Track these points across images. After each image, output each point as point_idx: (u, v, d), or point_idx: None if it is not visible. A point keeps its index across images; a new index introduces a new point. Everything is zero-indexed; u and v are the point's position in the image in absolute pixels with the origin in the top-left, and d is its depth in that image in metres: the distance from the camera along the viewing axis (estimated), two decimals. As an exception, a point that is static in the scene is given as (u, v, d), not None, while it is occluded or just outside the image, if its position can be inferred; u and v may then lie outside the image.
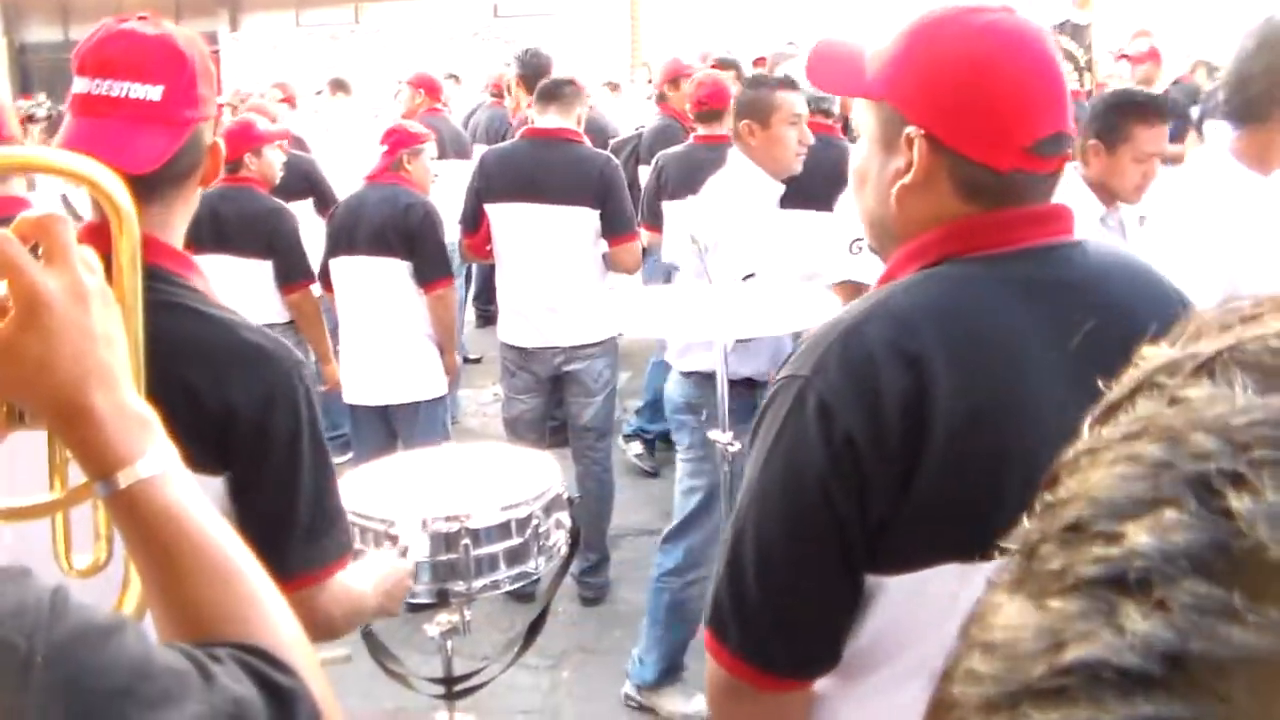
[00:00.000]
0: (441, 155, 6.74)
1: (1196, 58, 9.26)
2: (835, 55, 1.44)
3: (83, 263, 0.87)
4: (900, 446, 1.20)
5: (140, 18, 1.66)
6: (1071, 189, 3.35)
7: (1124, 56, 7.14)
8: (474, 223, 4.55)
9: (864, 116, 1.39)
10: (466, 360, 7.36)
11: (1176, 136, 7.01)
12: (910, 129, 1.29)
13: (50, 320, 0.84)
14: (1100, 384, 0.41)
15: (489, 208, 4.48)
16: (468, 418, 6.85)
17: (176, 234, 1.70)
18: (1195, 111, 7.19)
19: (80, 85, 1.61)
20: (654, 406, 6.12)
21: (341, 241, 4.52)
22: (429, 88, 7.22)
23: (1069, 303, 1.26)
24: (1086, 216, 3.19)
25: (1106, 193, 3.23)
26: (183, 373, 1.54)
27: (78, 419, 0.86)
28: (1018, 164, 1.27)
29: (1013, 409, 1.22)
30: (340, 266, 4.56)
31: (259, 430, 1.58)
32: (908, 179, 1.30)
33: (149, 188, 1.56)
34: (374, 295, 4.51)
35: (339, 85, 9.18)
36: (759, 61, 7.08)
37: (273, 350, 1.63)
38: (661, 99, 6.65)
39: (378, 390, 4.59)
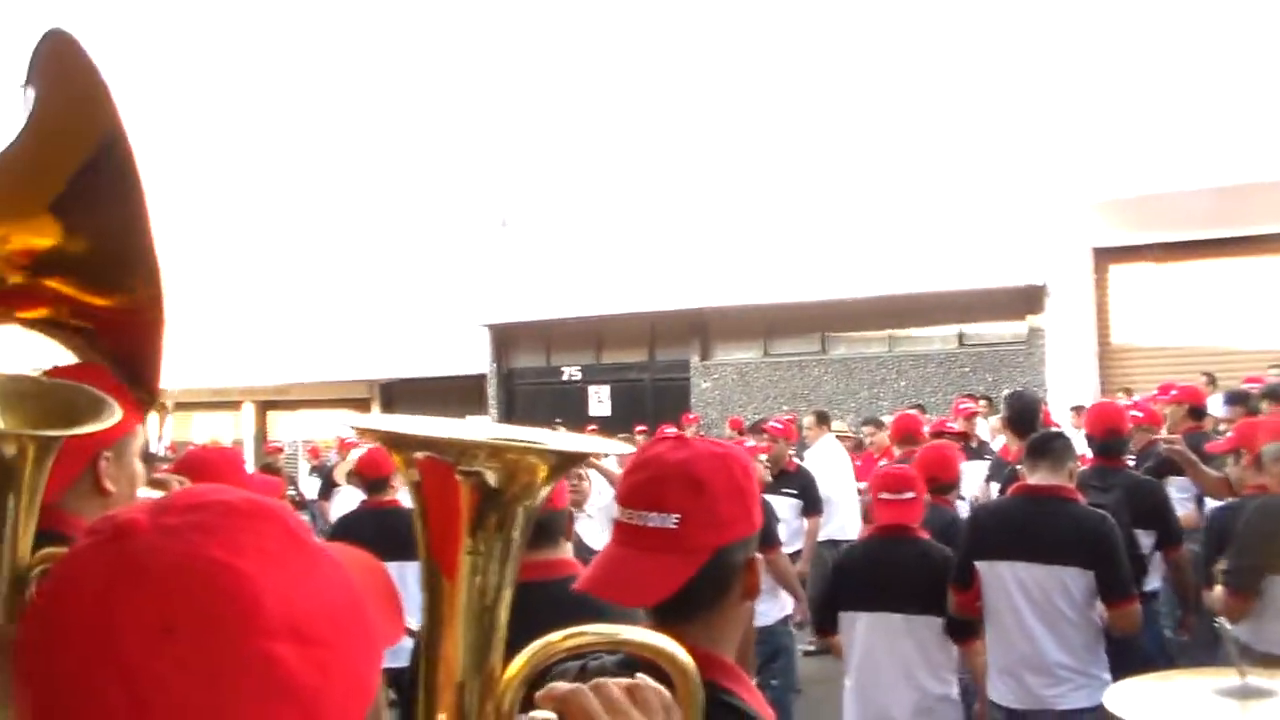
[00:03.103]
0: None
1: None
2: None
3: (664, 708, 1.02)
4: None
5: (677, 437, 1.74)
6: None
7: None
8: (965, 579, 4.64)
9: None
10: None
11: None
12: None
13: None
14: None
15: (980, 564, 4.57)
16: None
17: (726, 646, 1.69)
18: None
19: (618, 513, 1.69)
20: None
21: None
22: (910, 428, 7.52)
23: None
24: None
25: None
26: None
27: None
28: None
29: None
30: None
31: None
32: None
33: (683, 611, 1.61)
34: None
35: (822, 419, 9.75)
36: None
37: None
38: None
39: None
